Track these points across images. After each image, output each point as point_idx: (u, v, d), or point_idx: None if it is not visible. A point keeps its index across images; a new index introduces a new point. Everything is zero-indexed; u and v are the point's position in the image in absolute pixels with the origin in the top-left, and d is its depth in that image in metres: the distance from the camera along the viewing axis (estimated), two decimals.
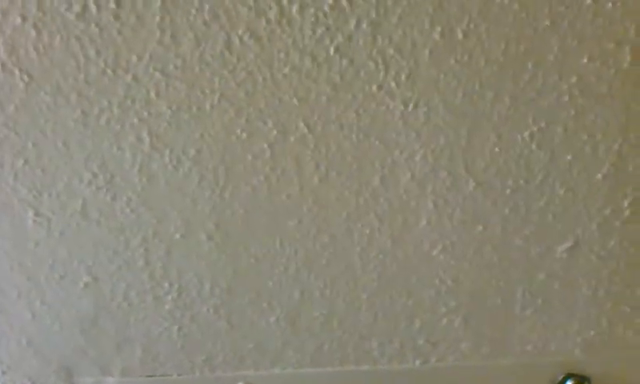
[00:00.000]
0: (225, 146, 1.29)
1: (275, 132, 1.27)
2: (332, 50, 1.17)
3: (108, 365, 1.70)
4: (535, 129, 1.29)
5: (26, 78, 1.20)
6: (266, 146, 1.29)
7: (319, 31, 1.15)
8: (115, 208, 1.38)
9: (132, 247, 1.44)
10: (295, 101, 1.23)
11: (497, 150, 1.30)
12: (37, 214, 1.39)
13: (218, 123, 1.26)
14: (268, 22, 1.14)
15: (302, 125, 1.26)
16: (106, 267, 1.48)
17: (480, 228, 1.41)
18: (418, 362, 1.66)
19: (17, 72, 1.20)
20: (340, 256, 1.45)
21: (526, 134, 1.29)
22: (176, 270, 1.48)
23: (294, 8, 1.12)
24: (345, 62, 1.19)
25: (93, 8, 1.13)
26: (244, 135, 1.28)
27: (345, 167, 1.32)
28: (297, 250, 1.44)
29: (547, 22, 1.16)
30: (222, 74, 1.20)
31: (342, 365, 1.68)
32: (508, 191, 1.35)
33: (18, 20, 1.14)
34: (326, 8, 1.13)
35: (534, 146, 1.31)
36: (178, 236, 1.42)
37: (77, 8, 1.12)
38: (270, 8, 1.12)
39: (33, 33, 1.15)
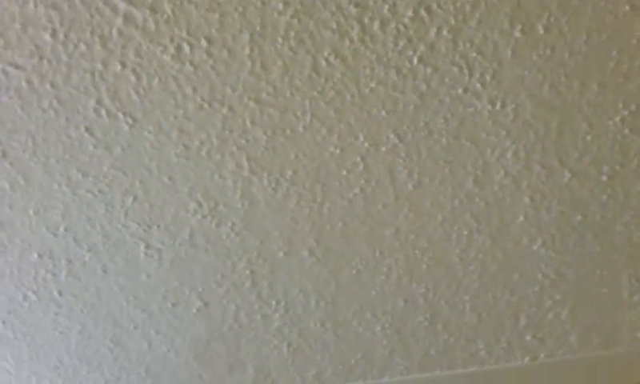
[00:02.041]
0: (319, 163, 1.36)
1: (367, 145, 1.33)
2: (415, 60, 1.23)
3: None
4: (626, 113, 1.30)
5: (129, 120, 1.31)
6: (358, 159, 1.35)
7: (401, 43, 1.21)
8: (220, 233, 1.47)
9: (238, 270, 1.53)
10: (384, 113, 1.29)
11: (589, 138, 1.32)
12: (148, 246, 1.49)
13: (312, 143, 1.33)
14: (351, 41, 1.20)
15: (392, 135, 1.32)
16: (216, 291, 1.57)
17: (579, 218, 1.43)
18: (526, 359, 1.69)
19: (121, 116, 1.30)
20: (440, 260, 1.50)
21: (617, 119, 1.31)
22: (282, 287, 1.56)
23: (376, 24, 1.19)
24: (429, 70, 1.24)
25: (186, 48, 1.22)
26: (337, 151, 1.34)
27: (437, 172, 1.37)
28: (397, 259, 1.50)
29: (627, 7, 1.18)
30: (311, 96, 1.27)
31: (449, 368, 1.72)
32: (604, 178, 1.37)
33: (118, 67, 1.24)
34: (407, 20, 1.18)
35: (626, 131, 1.33)
36: (281, 255, 1.50)
37: (171, 50, 1.22)
38: (352, 28, 1.19)
39: (132, 78, 1.25)
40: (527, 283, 1.53)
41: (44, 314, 1.63)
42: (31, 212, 1.44)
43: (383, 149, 1.34)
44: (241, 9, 1.16)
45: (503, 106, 1.28)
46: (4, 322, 1.66)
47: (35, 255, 1.52)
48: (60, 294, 1.59)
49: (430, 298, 1.57)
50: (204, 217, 1.44)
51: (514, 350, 1.66)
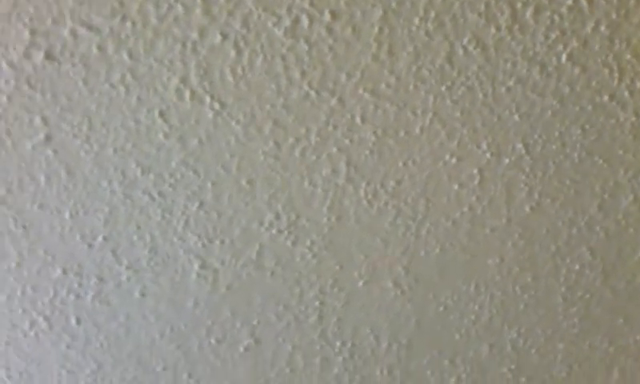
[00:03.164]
0: (429, 174, 1.26)
1: (488, 155, 1.25)
2: (564, 58, 1.16)
3: None
4: None
5: (217, 106, 1.18)
6: (475, 171, 1.26)
7: (553, 36, 1.14)
8: (295, 254, 1.34)
9: (306, 300, 1.40)
10: (516, 117, 1.21)
11: None
12: (203, 266, 1.34)
13: (426, 148, 1.24)
14: (498, 28, 1.13)
15: (519, 145, 1.24)
16: (273, 326, 1.43)
17: None
18: None
19: (207, 99, 1.17)
20: (541, 299, 1.41)
21: None
22: (352, 325, 1.43)
23: (529, 11, 1.12)
24: (577, 70, 1.18)
25: (305, 21, 1.11)
26: (453, 160, 1.25)
27: (561, 193, 1.29)
28: (493, 295, 1.40)
29: None
30: (438, 91, 1.18)
31: None
32: None
33: (218, 38, 1.12)
34: (564, 10, 1.12)
35: None
36: (360, 284, 1.38)
37: (287, 22, 1.11)
38: (502, 13, 1.12)
39: (233, 53, 1.13)
40: (630, 330, 1.46)
41: (53, 346, 1.44)
42: (67, 215, 1.27)
43: (506, 161, 1.25)
44: None
45: None
46: None
47: (59, 270, 1.34)
48: (78, 322, 1.41)
49: (519, 344, 1.47)
50: (280, 232, 1.31)
51: None
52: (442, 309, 1.42)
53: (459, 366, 1.50)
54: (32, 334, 1.42)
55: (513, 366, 1.51)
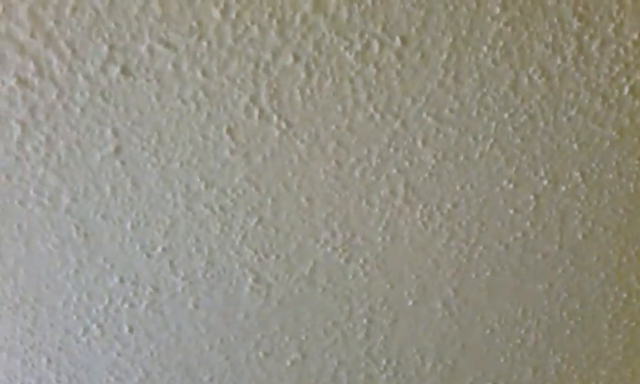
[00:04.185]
0: (486, 199, 1.28)
1: (545, 182, 1.27)
2: (626, 90, 1.19)
3: None
4: None
5: (283, 125, 1.20)
6: (532, 197, 1.28)
7: (617, 69, 1.17)
8: (347, 272, 1.36)
9: (355, 317, 1.41)
10: (575, 146, 1.23)
11: None
12: (257, 280, 1.36)
13: (485, 173, 1.26)
14: (563, 59, 1.15)
15: (576, 173, 1.26)
16: (321, 342, 1.44)
17: None
18: None
19: (275, 118, 1.20)
20: (587, 325, 1.43)
21: None
22: (398, 344, 1.45)
23: (595, 44, 1.14)
24: (637, 102, 1.20)
25: (375, 46, 1.14)
26: (510, 186, 1.27)
27: (614, 222, 1.31)
28: (540, 320, 1.42)
29: None
30: (500, 118, 1.20)
31: None
32: None
33: (290, 60, 1.14)
34: (629, 44, 1.14)
35: None
36: (410, 303, 1.40)
37: (358, 47, 1.13)
38: (569, 44, 1.14)
39: (303, 74, 1.16)
40: None
41: (103, 354, 1.46)
42: (128, 225, 1.30)
43: (562, 188, 1.27)
44: (452, 8, 1.10)
45: None
46: (49, 360, 1.47)
47: (116, 279, 1.36)
48: (131, 330, 1.43)
49: (563, 369, 1.49)
50: (334, 249, 1.33)
51: None
52: (488, 331, 1.43)
53: None
54: (84, 340, 1.44)
55: None
